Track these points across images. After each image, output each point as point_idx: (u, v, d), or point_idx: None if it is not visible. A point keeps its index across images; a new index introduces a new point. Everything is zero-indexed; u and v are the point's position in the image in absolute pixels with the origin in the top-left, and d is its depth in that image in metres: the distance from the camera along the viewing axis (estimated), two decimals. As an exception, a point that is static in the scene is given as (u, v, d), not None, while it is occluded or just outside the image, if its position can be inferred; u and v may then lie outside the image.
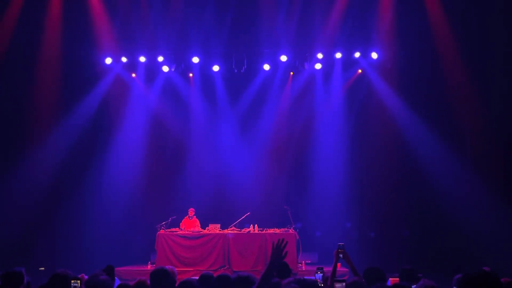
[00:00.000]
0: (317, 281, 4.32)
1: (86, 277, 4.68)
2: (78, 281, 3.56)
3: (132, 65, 12.49)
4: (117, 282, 5.41)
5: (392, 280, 5.91)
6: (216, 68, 12.48)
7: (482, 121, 10.89)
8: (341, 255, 4.23)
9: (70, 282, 3.71)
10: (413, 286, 4.40)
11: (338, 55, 12.12)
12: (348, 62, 12.34)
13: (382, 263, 9.43)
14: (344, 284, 3.45)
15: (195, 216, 11.33)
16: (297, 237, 10.62)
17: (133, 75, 12.74)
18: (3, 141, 11.30)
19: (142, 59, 12.26)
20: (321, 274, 4.12)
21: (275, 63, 12.39)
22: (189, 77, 12.98)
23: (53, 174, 11.54)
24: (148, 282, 4.17)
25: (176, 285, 4.17)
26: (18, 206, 10.94)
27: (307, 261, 10.86)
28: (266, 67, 12.39)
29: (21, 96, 11.39)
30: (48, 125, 11.71)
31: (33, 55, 11.36)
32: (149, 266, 10.75)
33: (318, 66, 12.38)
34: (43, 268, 9.97)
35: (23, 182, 11.07)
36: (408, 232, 11.73)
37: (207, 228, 11.06)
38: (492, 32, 10.42)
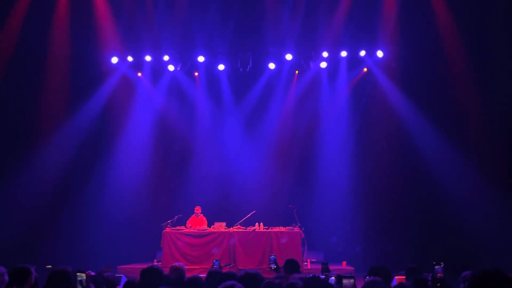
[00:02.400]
0: (319, 278, 4.32)
1: (92, 273, 4.73)
2: (83, 274, 3.57)
3: (138, 64, 12.55)
4: (124, 279, 5.46)
5: (397, 278, 5.92)
6: (221, 67, 12.51)
7: (488, 120, 10.85)
8: None
9: (70, 278, 3.72)
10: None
11: (344, 54, 12.12)
12: (354, 60, 12.33)
13: (387, 261, 9.43)
14: (352, 280, 3.46)
15: (202, 214, 11.37)
16: (303, 236, 10.64)
17: (139, 74, 12.79)
18: (10, 140, 11.38)
19: (148, 58, 12.31)
20: (334, 278, 4.05)
21: (280, 62, 12.40)
22: (195, 76, 13.02)
23: (59, 173, 11.60)
24: None
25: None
26: (25, 205, 11.01)
27: (312, 260, 10.87)
28: (272, 66, 12.40)
29: (29, 95, 11.46)
30: (55, 125, 11.77)
31: (40, 55, 11.42)
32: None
33: (323, 64, 12.37)
34: (50, 266, 10.02)
35: (30, 181, 11.13)
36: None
37: (212, 226, 11.08)
38: (498, 31, 10.36)
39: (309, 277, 3.89)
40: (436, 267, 4.18)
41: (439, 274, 4.15)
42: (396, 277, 6.13)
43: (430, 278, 4.14)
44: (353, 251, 11.73)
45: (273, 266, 4.22)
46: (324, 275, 4.58)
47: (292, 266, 5.22)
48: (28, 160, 11.25)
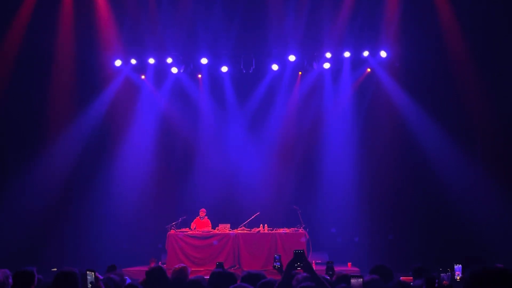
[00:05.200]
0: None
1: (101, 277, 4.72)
2: (92, 273, 3.53)
3: (141, 67, 12.57)
4: (128, 281, 5.44)
5: (403, 279, 5.86)
6: (224, 69, 12.50)
7: (492, 118, 10.79)
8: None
9: (76, 279, 3.70)
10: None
11: (347, 54, 12.09)
12: (357, 61, 12.29)
13: (393, 260, 9.38)
14: (361, 280, 3.43)
15: (206, 217, 11.36)
16: (307, 237, 10.62)
17: (142, 77, 12.81)
18: (15, 143, 11.43)
19: (151, 60, 12.33)
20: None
21: (283, 63, 12.38)
22: (198, 78, 13.02)
23: (64, 175, 11.63)
24: None
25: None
26: (30, 208, 11.04)
27: (317, 261, 10.83)
28: (275, 67, 12.38)
29: (33, 98, 11.50)
30: (59, 127, 11.80)
31: (44, 59, 11.45)
32: (159, 266, 10.77)
33: (326, 65, 12.34)
34: (55, 269, 10.03)
35: (35, 184, 11.17)
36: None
37: (217, 228, 11.08)
38: (502, 29, 10.30)
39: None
40: (442, 274, 4.13)
41: (444, 282, 4.10)
42: (401, 278, 6.09)
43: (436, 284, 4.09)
44: (363, 249, 11.68)
45: (277, 265, 4.16)
46: (328, 274, 4.55)
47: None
48: (32, 162, 11.29)
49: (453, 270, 4.32)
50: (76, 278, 3.78)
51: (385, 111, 12.06)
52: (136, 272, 10.14)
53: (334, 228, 12.17)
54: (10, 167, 11.38)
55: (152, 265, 6.06)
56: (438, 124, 11.37)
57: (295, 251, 3.33)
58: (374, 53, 12.03)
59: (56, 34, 11.35)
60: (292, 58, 12.08)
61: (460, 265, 4.37)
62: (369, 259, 10.40)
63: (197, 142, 13.08)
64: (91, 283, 3.48)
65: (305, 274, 3.51)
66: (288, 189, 12.55)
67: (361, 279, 3.43)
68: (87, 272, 3.51)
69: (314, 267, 10.25)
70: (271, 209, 11.88)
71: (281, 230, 10.82)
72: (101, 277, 4.72)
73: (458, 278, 4.32)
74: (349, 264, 10.66)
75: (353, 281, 3.43)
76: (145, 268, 10.41)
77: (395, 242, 11.63)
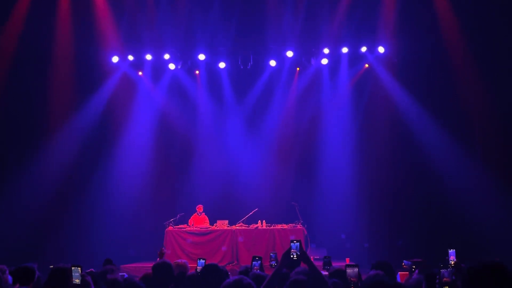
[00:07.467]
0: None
1: (94, 271, 4.73)
2: (79, 268, 3.52)
3: (139, 63, 12.54)
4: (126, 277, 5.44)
5: (401, 274, 5.88)
6: (222, 65, 12.49)
7: (492, 115, 10.78)
8: None
9: (70, 275, 3.72)
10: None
11: (345, 50, 12.08)
12: (355, 57, 12.28)
13: (391, 257, 9.39)
14: (356, 269, 3.44)
15: (203, 213, 11.37)
16: (305, 233, 10.63)
17: (140, 73, 12.78)
18: (14, 141, 11.40)
19: (149, 57, 12.30)
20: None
21: (281, 59, 12.37)
22: (195, 74, 13.00)
23: (62, 173, 11.60)
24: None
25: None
26: (29, 206, 11.02)
27: (315, 257, 10.85)
28: (272, 63, 12.37)
29: (30, 96, 11.46)
30: (56, 125, 11.77)
31: (41, 56, 11.41)
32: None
33: (324, 61, 12.34)
34: (52, 266, 10.00)
35: (33, 181, 11.14)
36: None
37: (215, 224, 11.09)
38: (502, 24, 10.28)
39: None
40: (442, 270, 4.13)
41: (445, 279, 4.10)
42: (399, 273, 6.10)
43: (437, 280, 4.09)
44: (361, 247, 11.67)
45: (274, 264, 4.20)
46: (325, 269, 4.56)
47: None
48: (31, 160, 11.26)
49: (447, 255, 4.33)
50: (69, 274, 3.83)
51: (383, 106, 12.05)
52: (134, 268, 10.15)
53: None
54: (9, 165, 11.34)
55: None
56: (437, 120, 11.36)
57: (292, 240, 3.35)
58: (372, 49, 12.03)
59: (54, 30, 11.30)
60: (290, 54, 12.08)
61: (454, 250, 4.38)
62: (368, 256, 10.44)
63: (195, 138, 13.06)
64: (78, 278, 3.46)
65: (301, 268, 3.52)
66: (286, 185, 12.56)
67: (357, 268, 3.45)
68: (73, 268, 3.49)
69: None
70: (269, 205, 11.87)
71: (279, 226, 10.84)
72: (94, 271, 4.74)
73: (452, 263, 4.33)
74: (347, 259, 10.66)
75: (348, 270, 3.44)
76: (143, 265, 10.46)
77: (395, 241, 11.61)
